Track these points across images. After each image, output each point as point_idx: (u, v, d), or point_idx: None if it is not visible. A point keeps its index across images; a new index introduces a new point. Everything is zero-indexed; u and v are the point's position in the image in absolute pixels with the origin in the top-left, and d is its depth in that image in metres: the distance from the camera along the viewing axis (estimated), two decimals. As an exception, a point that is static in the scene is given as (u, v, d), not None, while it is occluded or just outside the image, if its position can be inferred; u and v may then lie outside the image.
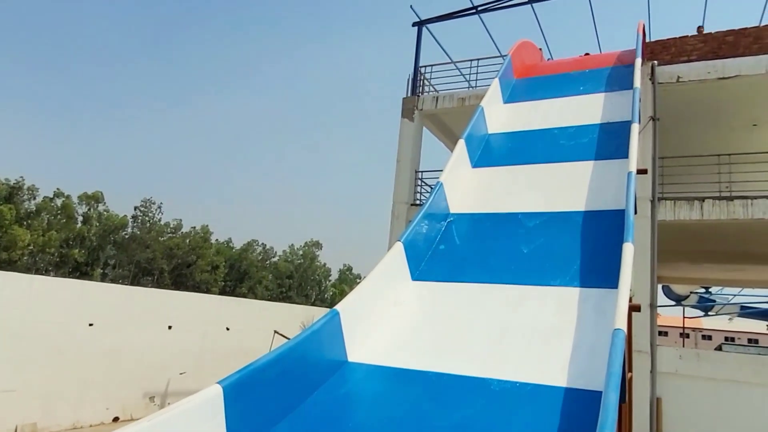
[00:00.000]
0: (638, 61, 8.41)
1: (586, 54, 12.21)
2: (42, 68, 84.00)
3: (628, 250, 4.84)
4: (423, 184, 11.90)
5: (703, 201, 8.75)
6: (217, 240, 64.57)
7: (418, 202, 11.48)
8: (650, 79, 9.27)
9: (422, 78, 12.31)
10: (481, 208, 7.05)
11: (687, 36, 9.65)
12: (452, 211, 6.98)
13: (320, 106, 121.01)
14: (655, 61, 9.43)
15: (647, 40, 10.08)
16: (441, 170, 7.25)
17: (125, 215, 56.92)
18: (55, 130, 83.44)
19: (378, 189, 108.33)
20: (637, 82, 7.81)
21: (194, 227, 61.23)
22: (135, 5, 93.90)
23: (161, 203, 59.60)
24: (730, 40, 9.14)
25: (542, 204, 6.74)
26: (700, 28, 10.33)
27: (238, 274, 64.65)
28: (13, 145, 73.03)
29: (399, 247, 5.86)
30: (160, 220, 58.99)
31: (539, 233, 6.29)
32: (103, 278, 53.33)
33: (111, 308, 13.23)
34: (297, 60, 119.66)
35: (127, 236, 56.61)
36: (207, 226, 61.63)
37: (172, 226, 59.71)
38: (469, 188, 7.42)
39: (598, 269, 5.41)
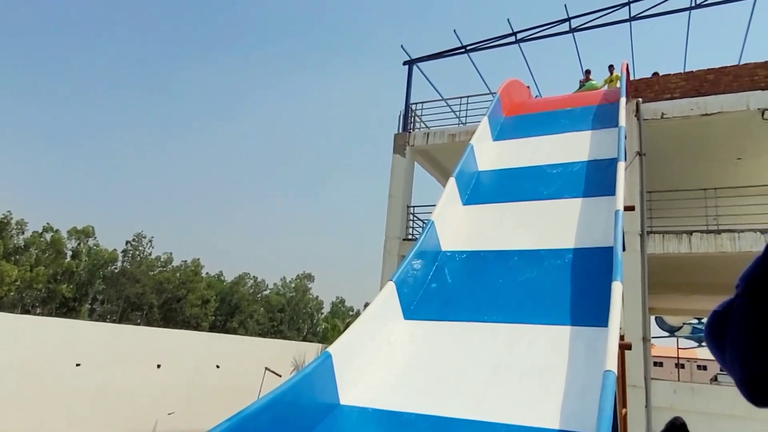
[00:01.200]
0: (623, 99, 8.60)
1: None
2: (33, 100, 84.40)
3: (617, 289, 4.89)
4: (415, 218, 11.96)
5: (691, 234, 8.85)
6: (207, 273, 64.07)
7: (410, 236, 11.51)
8: (636, 116, 9.49)
9: (413, 114, 12.50)
10: (473, 245, 7.08)
11: (669, 74, 9.93)
12: (444, 249, 7.01)
13: (314, 140, 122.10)
14: (640, 99, 9.67)
15: (631, 78, 10.35)
16: (433, 205, 7.31)
17: (115, 249, 56.45)
18: (45, 162, 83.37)
19: (371, 221, 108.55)
20: (623, 120, 7.99)
21: (185, 261, 60.80)
22: (128, 37, 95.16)
23: (152, 237, 59.22)
24: (710, 78, 9.41)
25: (533, 241, 6.79)
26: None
27: (229, 308, 63.91)
28: (2, 177, 72.71)
29: (391, 286, 5.86)
30: (150, 254, 58.53)
31: (530, 271, 6.33)
32: (91, 314, 52.53)
33: (99, 347, 13.02)
34: (291, 94, 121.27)
35: (116, 270, 55.99)
36: (198, 259, 61.24)
37: (162, 259, 59.20)
38: (460, 226, 7.47)
39: (589, 307, 5.43)
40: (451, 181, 7.77)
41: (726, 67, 9.46)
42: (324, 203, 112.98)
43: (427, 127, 12.62)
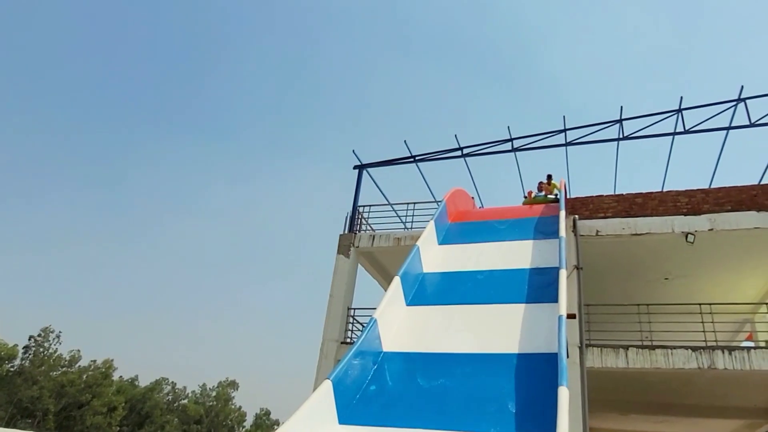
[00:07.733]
0: (563, 213, 9.06)
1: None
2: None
3: (564, 394, 4.74)
4: (355, 321, 11.58)
5: (628, 349, 8.97)
6: (120, 377, 58.40)
7: (348, 340, 11.05)
8: (573, 231, 9.97)
9: (360, 216, 12.60)
10: (415, 347, 6.84)
11: (603, 195, 10.69)
12: (385, 349, 6.72)
13: (250, 241, 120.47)
14: (576, 216, 10.23)
15: (568, 196, 11.03)
16: (374, 308, 7.10)
17: (15, 345, 50.56)
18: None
19: (305, 328, 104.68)
20: (563, 231, 8.33)
21: (94, 360, 55.01)
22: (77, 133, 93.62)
23: (60, 332, 53.31)
24: (639, 201, 10.19)
25: (476, 345, 6.65)
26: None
27: (139, 417, 57.76)
28: None
29: (327, 385, 5.45)
30: (56, 351, 52.60)
31: (473, 375, 6.12)
32: (-29, 421, 45.82)
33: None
34: (237, 193, 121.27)
35: (13, 369, 49.88)
36: (111, 360, 55.79)
37: (66, 358, 53.12)
38: (403, 326, 7.25)
39: (534, 414, 5.23)
40: (396, 280, 7.66)
41: (652, 192, 10.29)
42: (257, 306, 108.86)
43: (372, 229, 12.69)
